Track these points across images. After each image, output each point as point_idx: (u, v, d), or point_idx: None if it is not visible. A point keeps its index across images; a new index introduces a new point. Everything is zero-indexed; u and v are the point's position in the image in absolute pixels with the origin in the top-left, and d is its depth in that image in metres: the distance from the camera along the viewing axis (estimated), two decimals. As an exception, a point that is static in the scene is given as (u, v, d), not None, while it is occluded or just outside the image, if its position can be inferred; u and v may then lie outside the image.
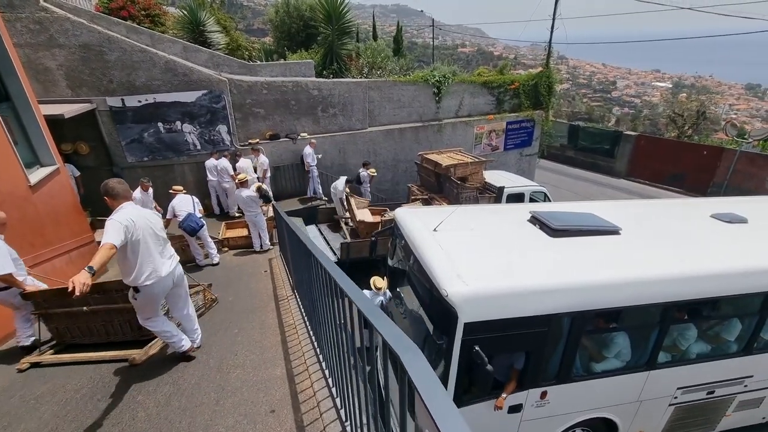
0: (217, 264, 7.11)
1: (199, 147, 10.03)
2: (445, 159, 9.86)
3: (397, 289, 5.37)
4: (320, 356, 3.59)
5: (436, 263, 3.90)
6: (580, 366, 4.26)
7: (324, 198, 11.15)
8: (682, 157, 16.20)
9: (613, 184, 17.21)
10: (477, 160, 9.93)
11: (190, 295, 4.33)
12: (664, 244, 4.64)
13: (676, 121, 22.81)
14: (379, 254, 7.29)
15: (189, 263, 6.94)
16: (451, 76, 12.48)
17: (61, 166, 6.51)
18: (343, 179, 9.71)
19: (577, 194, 15.63)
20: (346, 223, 9.79)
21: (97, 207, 7.90)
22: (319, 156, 10.99)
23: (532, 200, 9.52)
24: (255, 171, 9.69)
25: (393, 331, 1.60)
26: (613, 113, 60.15)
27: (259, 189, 7.65)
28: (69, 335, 4.48)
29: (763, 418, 5.35)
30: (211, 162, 9.51)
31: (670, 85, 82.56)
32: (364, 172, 10.72)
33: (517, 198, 9.42)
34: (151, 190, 7.73)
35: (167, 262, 3.67)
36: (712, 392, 4.74)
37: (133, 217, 3.31)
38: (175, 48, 10.20)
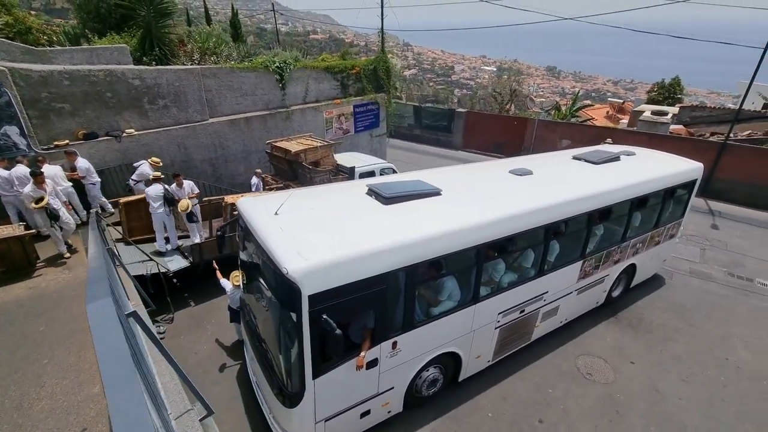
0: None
1: (-21, 156, 7.86)
2: (294, 145, 9.80)
3: (254, 282, 5.26)
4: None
5: (276, 244, 3.95)
6: (420, 312, 4.86)
7: None
8: (500, 128, 19.38)
9: (453, 155, 19.60)
10: (326, 143, 10.14)
11: None
12: (474, 199, 5.57)
13: (496, 98, 27.02)
14: (234, 251, 6.97)
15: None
16: (293, 61, 12.29)
17: None
18: None
19: (424, 168, 17.32)
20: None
21: None
22: None
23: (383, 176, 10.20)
24: (66, 180, 8.15)
25: None
26: (454, 95, 67.89)
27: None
28: None
29: (561, 322, 6.97)
30: None
31: (495, 69, 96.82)
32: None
33: (368, 176, 9.98)
34: None
35: None
36: (523, 311, 5.96)
37: None
38: None
